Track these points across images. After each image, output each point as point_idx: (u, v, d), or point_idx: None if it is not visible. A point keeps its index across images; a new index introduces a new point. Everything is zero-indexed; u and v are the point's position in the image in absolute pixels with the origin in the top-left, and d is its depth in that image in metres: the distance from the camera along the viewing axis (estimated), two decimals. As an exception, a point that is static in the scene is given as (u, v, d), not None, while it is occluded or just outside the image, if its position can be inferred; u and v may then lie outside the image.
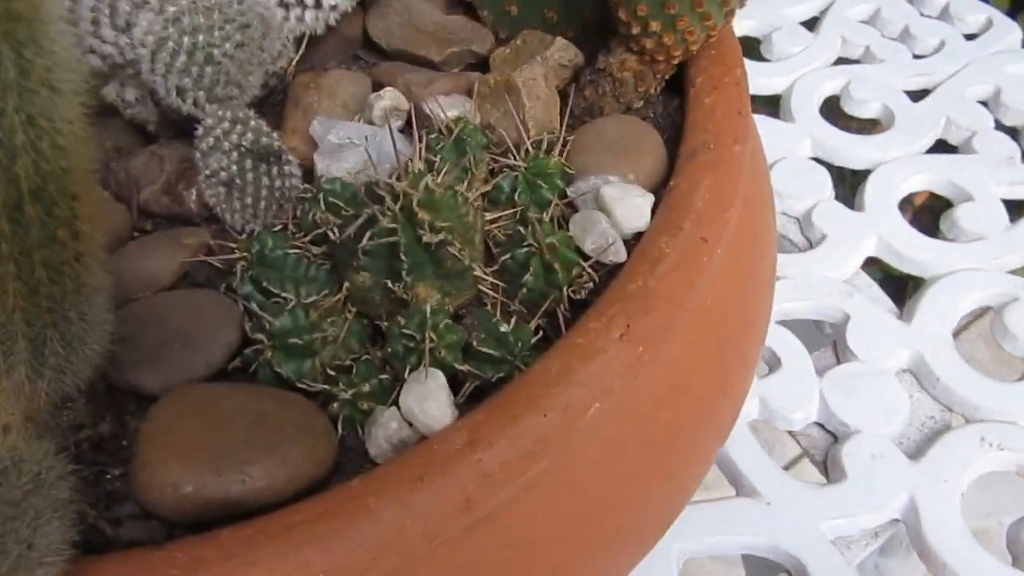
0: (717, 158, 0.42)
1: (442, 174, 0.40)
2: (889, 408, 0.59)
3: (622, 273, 0.39)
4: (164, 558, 0.31)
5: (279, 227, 0.44)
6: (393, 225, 0.37)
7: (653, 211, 0.41)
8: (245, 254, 0.41)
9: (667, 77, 0.48)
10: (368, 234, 0.38)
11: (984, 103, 0.78)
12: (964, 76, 0.80)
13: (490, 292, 0.40)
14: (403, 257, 0.37)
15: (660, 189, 0.43)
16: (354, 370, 0.38)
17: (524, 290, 0.39)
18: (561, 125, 0.48)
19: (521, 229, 0.40)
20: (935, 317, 0.63)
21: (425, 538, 0.32)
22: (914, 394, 0.61)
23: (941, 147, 0.76)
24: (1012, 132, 0.76)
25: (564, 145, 0.45)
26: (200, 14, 0.43)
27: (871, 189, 0.72)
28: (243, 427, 0.34)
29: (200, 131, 0.43)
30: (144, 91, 0.46)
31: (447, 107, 0.47)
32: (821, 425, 0.60)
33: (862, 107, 0.80)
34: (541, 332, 0.39)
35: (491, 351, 0.37)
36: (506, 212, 0.42)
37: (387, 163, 0.45)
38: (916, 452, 0.58)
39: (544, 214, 0.42)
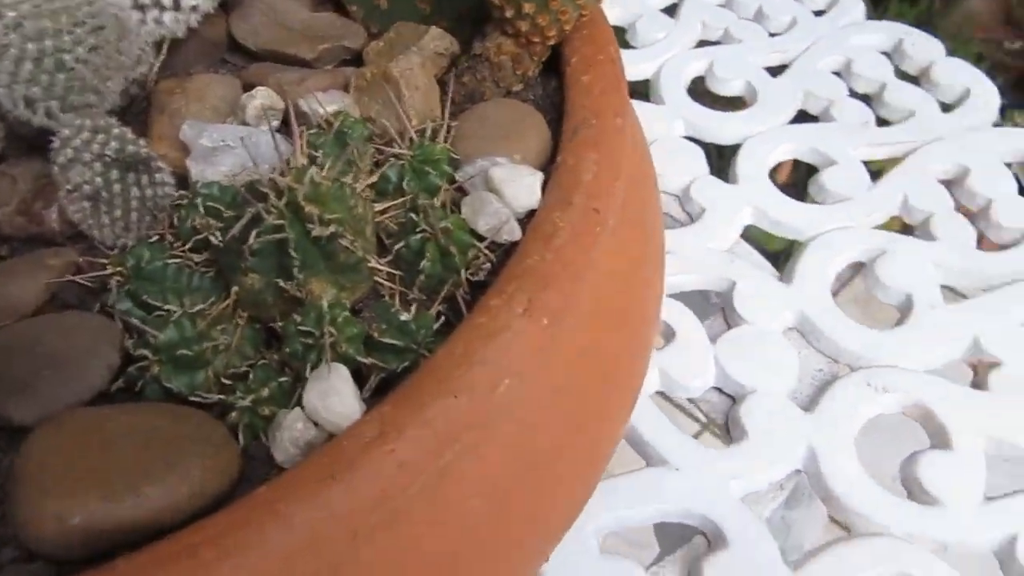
0: (600, 132, 0.43)
1: (326, 167, 0.39)
2: (780, 366, 0.61)
3: (518, 250, 0.38)
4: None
5: (155, 238, 0.41)
6: (280, 221, 0.36)
7: (543, 189, 0.41)
8: (119, 269, 0.39)
9: (543, 59, 0.49)
10: (254, 233, 0.36)
11: (837, 73, 0.83)
12: (816, 50, 0.84)
13: (386, 283, 0.39)
14: (293, 254, 0.36)
15: (548, 167, 0.44)
16: (251, 376, 0.36)
17: (422, 277, 0.39)
18: (443, 113, 0.47)
19: (413, 216, 0.39)
20: (813, 276, 0.66)
21: (344, 538, 0.31)
22: (802, 350, 0.63)
23: (803, 117, 0.79)
24: (865, 99, 0.80)
25: (448, 132, 0.45)
26: (46, 18, 0.40)
27: (742, 162, 0.74)
28: (133, 447, 0.32)
29: (56, 143, 0.41)
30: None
31: (325, 103, 0.46)
32: (719, 390, 0.62)
33: (726, 85, 0.83)
34: (443, 318, 0.38)
35: (394, 341, 0.37)
36: (396, 202, 0.41)
37: (266, 163, 0.44)
38: (809, 404, 0.60)
39: (435, 200, 0.41)
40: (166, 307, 0.38)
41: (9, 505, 0.31)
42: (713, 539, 0.55)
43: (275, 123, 0.47)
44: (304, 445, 0.34)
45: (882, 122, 0.78)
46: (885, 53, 0.85)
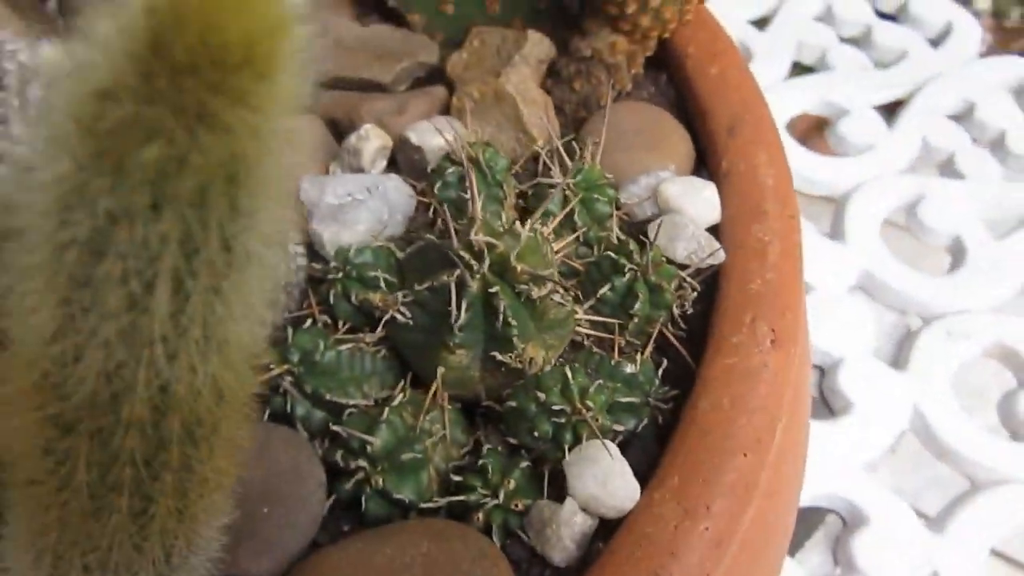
0: (757, 129, 0.40)
1: (508, 215, 0.34)
2: (858, 326, 0.61)
3: (728, 274, 0.35)
4: None
5: (307, 323, 0.35)
6: (493, 289, 0.31)
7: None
8: (286, 367, 0.33)
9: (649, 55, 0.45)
10: (464, 305, 0.31)
11: (821, 19, 0.82)
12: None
13: (589, 332, 0.35)
14: (512, 321, 0.31)
15: (699, 172, 0.40)
16: (488, 468, 0.32)
17: (635, 320, 0.35)
18: (560, 127, 0.43)
19: (612, 255, 0.35)
20: (863, 230, 0.66)
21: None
22: (872, 307, 0.63)
23: (800, 70, 0.79)
24: (854, 42, 0.80)
25: (584, 148, 0.40)
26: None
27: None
28: (417, 584, 0.27)
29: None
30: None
31: (430, 132, 0.40)
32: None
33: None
34: (664, 362, 0.35)
35: (628, 398, 0.33)
36: (569, 239, 0.37)
37: (399, 214, 0.38)
38: (897, 361, 0.60)
39: (609, 231, 0.37)
40: (351, 403, 0.33)
41: None
42: (850, 516, 0.54)
43: (383, 163, 0.41)
44: (580, 539, 0.30)
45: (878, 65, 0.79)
46: (859, -7, 0.85)
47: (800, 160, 0.70)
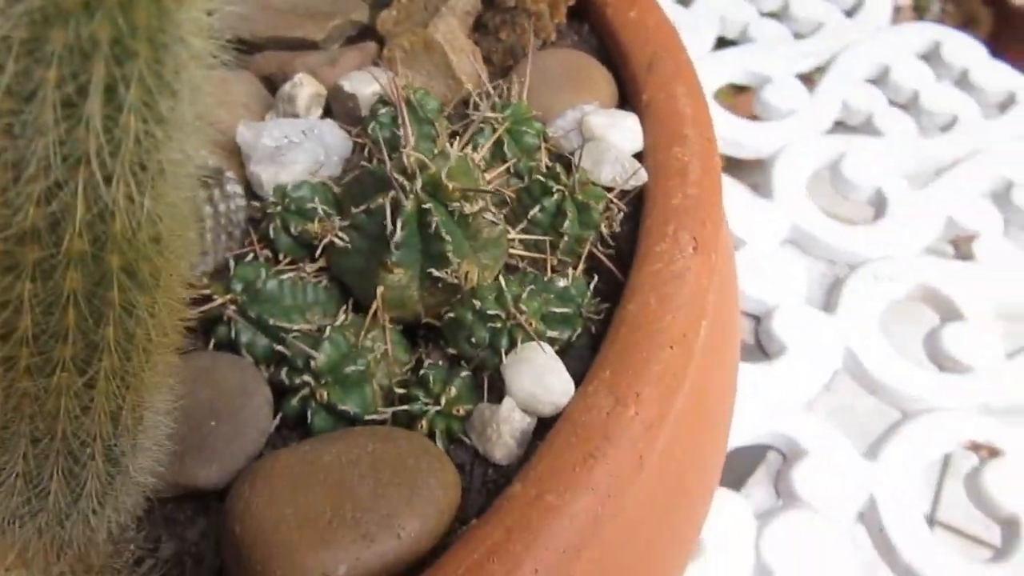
0: (676, 65, 0.42)
1: (441, 143, 0.35)
2: (790, 277, 0.64)
3: (652, 193, 0.37)
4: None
5: (248, 256, 0.36)
6: (427, 205, 0.33)
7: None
8: (230, 296, 0.34)
9: (570, 5, 0.47)
10: (399, 223, 0.33)
11: (742, -4, 0.85)
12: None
13: (523, 253, 0.37)
14: (446, 237, 0.33)
15: (623, 108, 0.42)
16: (429, 378, 0.33)
17: (564, 239, 0.36)
18: (490, 72, 0.44)
19: (540, 178, 0.36)
20: (790, 187, 0.69)
21: (611, 511, 0.29)
22: (801, 260, 0.66)
23: (723, 43, 0.82)
24: (774, 16, 0.84)
25: (511, 88, 0.42)
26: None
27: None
28: (362, 480, 0.28)
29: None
30: None
31: (363, 82, 0.42)
32: (744, 312, 0.63)
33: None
34: (595, 277, 0.36)
35: (564, 309, 0.34)
36: (501, 168, 0.38)
37: (336, 155, 0.39)
38: (828, 306, 0.63)
39: (538, 160, 0.39)
40: (294, 327, 0.34)
41: (249, 570, 0.27)
42: (789, 451, 0.56)
43: (318, 111, 0.42)
44: (520, 436, 0.32)
45: (797, 36, 0.82)
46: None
47: (728, 126, 0.73)
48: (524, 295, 0.33)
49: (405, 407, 0.32)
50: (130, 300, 0.18)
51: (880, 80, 0.78)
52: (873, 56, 0.79)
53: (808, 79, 0.78)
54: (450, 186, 0.33)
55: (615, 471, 0.29)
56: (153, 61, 0.15)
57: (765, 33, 0.81)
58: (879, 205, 0.69)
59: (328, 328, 0.33)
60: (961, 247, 0.67)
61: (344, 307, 0.35)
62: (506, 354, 0.32)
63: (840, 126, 0.75)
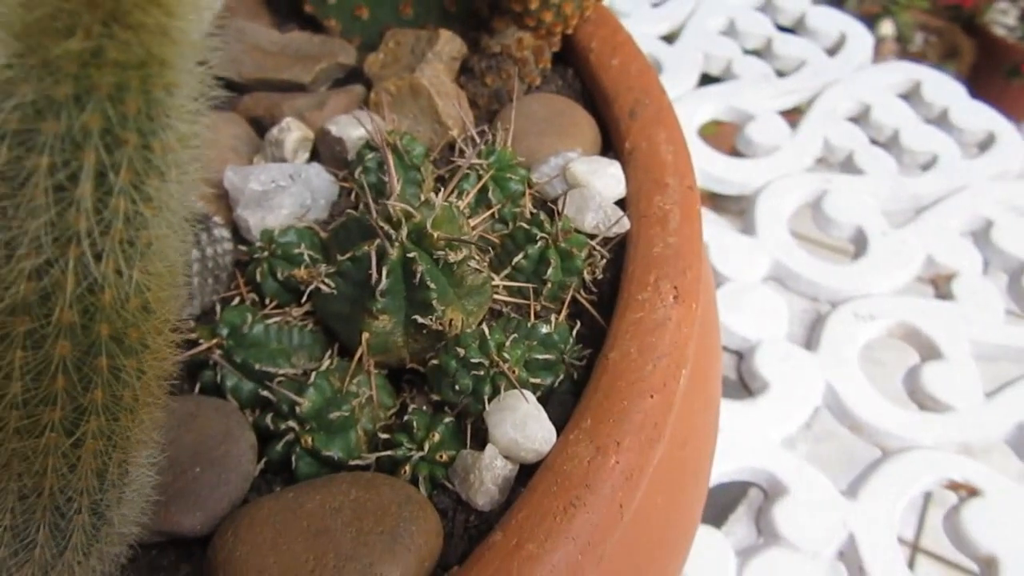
0: (657, 112, 0.42)
1: (427, 192, 0.36)
2: (773, 313, 0.65)
3: (634, 240, 0.38)
4: None
5: (235, 300, 0.37)
6: (411, 254, 0.33)
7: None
8: (216, 340, 0.34)
9: (555, 51, 0.48)
10: (384, 271, 0.33)
11: (726, 33, 0.87)
12: (702, 12, 0.88)
13: (507, 299, 0.37)
14: (431, 284, 0.33)
15: (606, 154, 0.43)
16: (413, 424, 0.33)
17: (548, 286, 0.37)
18: (475, 118, 0.45)
19: (524, 225, 0.37)
20: (772, 224, 0.70)
21: (591, 560, 0.30)
22: (784, 295, 0.67)
23: (706, 80, 0.83)
24: (756, 53, 0.85)
25: (496, 134, 0.43)
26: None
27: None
28: (345, 527, 0.29)
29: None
30: None
31: (350, 125, 0.42)
32: (727, 348, 0.64)
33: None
34: (578, 323, 0.37)
35: (545, 356, 0.35)
36: (485, 215, 0.39)
37: (323, 199, 0.40)
38: (810, 343, 0.64)
39: (522, 207, 0.40)
40: (280, 372, 0.34)
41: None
42: (770, 488, 0.57)
43: (305, 155, 0.43)
44: (502, 483, 0.32)
45: (779, 74, 0.84)
46: (760, 9, 0.90)
47: (711, 162, 0.74)
48: (507, 343, 0.33)
49: (389, 452, 0.33)
50: (118, 365, 0.19)
51: (861, 118, 0.79)
52: (854, 95, 0.80)
53: (789, 116, 0.80)
54: (435, 235, 0.33)
55: (595, 520, 0.29)
56: (142, 147, 0.16)
57: (748, 70, 0.82)
58: (859, 243, 0.70)
59: (313, 373, 0.33)
60: (940, 286, 0.68)
61: (329, 352, 0.36)
62: (489, 401, 0.33)
63: (821, 163, 0.77)
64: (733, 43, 0.86)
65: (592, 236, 0.38)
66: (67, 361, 0.18)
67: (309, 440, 0.32)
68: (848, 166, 0.76)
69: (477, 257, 0.35)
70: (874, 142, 0.77)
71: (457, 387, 0.33)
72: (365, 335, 0.34)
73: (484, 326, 0.34)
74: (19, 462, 0.20)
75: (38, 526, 0.23)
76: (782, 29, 0.88)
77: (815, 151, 0.76)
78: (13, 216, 0.16)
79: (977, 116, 0.78)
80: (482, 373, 0.33)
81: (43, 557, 0.24)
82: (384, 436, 0.33)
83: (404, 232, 0.33)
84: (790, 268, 0.67)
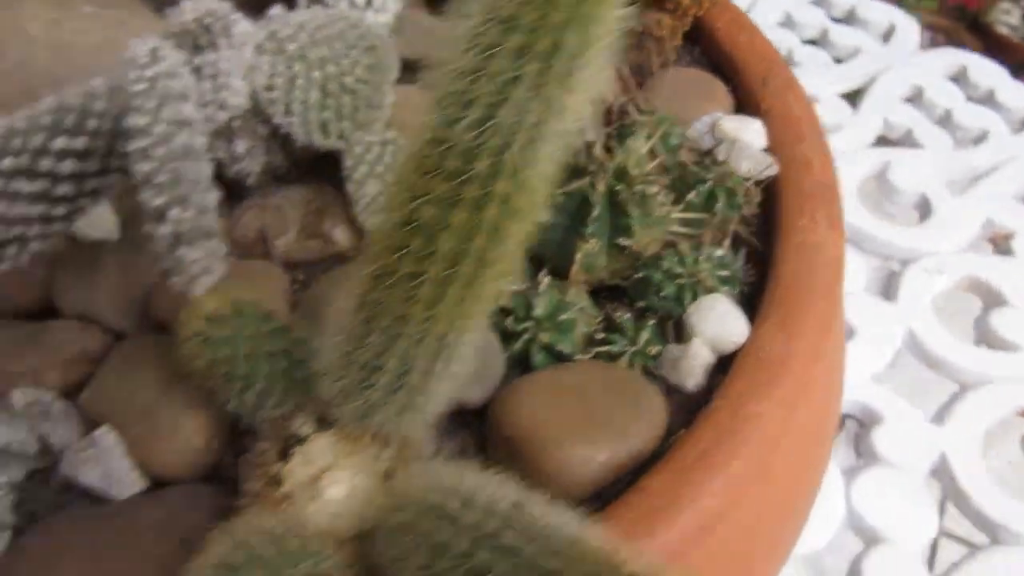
0: (785, 79, 0.50)
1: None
2: (852, 270, 0.72)
3: (785, 181, 0.45)
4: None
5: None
6: (619, 187, 0.40)
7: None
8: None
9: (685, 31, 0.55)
10: (595, 201, 0.40)
11: (784, 25, 0.95)
12: (761, 7, 0.96)
13: (679, 230, 0.45)
14: (631, 213, 0.41)
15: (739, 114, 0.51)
16: (625, 325, 0.40)
17: (716, 219, 0.44)
18: (623, 89, 0.53)
19: (694, 168, 0.44)
20: (844, 193, 0.77)
21: (790, 419, 0.37)
22: (858, 257, 0.74)
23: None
24: (814, 43, 0.93)
25: (648, 100, 0.50)
26: (324, 46, 0.42)
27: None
28: (599, 398, 0.36)
29: (350, 162, 0.42)
30: (255, 141, 0.43)
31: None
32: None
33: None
34: (743, 248, 0.44)
35: (723, 272, 0.42)
36: (654, 163, 0.46)
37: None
38: (888, 295, 0.71)
39: (683, 157, 0.47)
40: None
41: (522, 460, 0.34)
42: (865, 417, 0.64)
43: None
44: (707, 368, 0.39)
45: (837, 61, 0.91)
46: (814, 3, 0.98)
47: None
48: (701, 258, 0.41)
49: (607, 348, 0.40)
50: (496, 225, 0.26)
51: (915, 99, 0.87)
52: (907, 78, 0.88)
53: (848, 100, 0.87)
54: (634, 172, 0.41)
55: (793, 388, 0.37)
56: (562, 75, 0.24)
57: (808, 59, 0.90)
58: (923, 208, 0.77)
59: (540, 285, 0.41)
60: (999, 243, 0.75)
61: (542, 272, 0.43)
62: (687, 305, 0.40)
63: (882, 140, 0.84)
64: (791, 34, 0.93)
65: (746, 179, 0.46)
66: (469, 199, 0.25)
67: (545, 337, 0.39)
68: (908, 141, 0.83)
69: (663, 192, 0.42)
70: (929, 120, 0.84)
71: (662, 293, 0.41)
72: (578, 256, 0.42)
73: (681, 246, 0.41)
74: (389, 309, 0.27)
75: (401, 367, 0.30)
76: (836, 21, 0.96)
77: (876, 129, 0.84)
78: (477, 83, 0.23)
79: (1021, 95, 0.86)
80: (684, 282, 0.40)
81: (399, 400, 0.31)
82: (599, 336, 0.41)
83: (610, 170, 0.41)
84: (864, 231, 0.75)
